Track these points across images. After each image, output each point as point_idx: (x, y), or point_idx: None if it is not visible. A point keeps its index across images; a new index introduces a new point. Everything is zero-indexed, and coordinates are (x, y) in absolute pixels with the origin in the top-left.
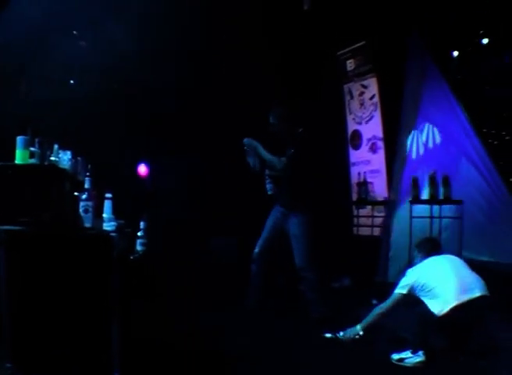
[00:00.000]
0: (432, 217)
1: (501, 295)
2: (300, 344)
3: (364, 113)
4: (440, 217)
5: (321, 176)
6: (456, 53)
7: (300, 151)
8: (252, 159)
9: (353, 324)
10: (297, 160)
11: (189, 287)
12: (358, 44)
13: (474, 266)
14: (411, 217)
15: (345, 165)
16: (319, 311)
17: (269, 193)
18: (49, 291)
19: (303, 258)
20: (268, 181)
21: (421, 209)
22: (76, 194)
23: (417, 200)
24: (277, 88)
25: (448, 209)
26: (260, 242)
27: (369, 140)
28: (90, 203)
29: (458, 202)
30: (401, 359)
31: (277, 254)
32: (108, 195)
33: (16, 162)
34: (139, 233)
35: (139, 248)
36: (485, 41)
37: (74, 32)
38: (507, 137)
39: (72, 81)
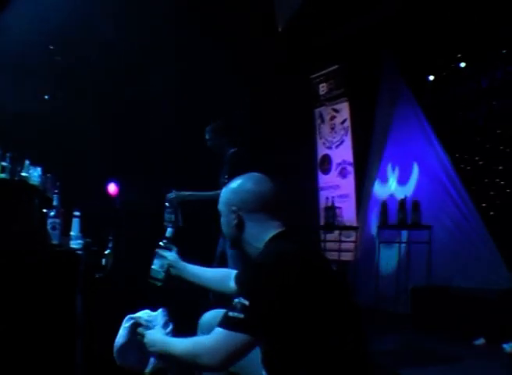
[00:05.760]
0: (400, 242)
1: (472, 320)
2: None
3: (334, 138)
4: (408, 242)
5: None
6: (431, 77)
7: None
8: (169, 215)
9: None
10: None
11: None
12: (331, 68)
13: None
14: (379, 242)
15: (314, 189)
16: None
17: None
18: (13, 306)
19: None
20: None
21: (389, 234)
22: (44, 210)
23: (385, 225)
24: (248, 109)
25: (417, 234)
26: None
27: (339, 164)
28: (57, 220)
29: (427, 227)
30: None
31: None
32: (76, 213)
33: None
34: (106, 252)
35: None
36: (463, 64)
37: (50, 47)
38: (480, 163)
39: (46, 96)
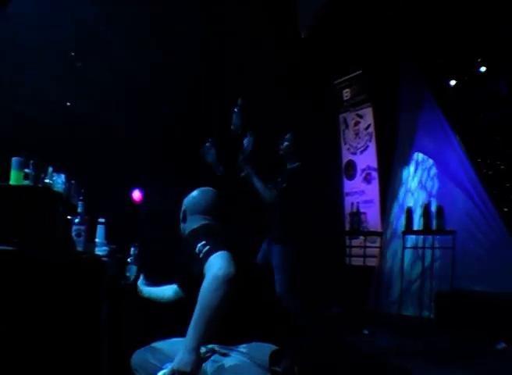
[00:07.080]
0: (424, 248)
1: (494, 325)
2: None
3: (358, 143)
4: (433, 248)
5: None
6: (453, 82)
7: (292, 187)
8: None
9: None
10: (288, 196)
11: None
12: (354, 74)
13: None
14: (404, 247)
15: (339, 195)
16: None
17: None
18: (38, 313)
19: (282, 290)
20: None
21: (414, 240)
22: (68, 217)
23: (410, 230)
24: (273, 115)
25: (441, 240)
26: None
27: (363, 170)
28: (82, 227)
29: (451, 233)
30: None
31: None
32: (101, 220)
33: (10, 183)
34: (129, 259)
35: (129, 273)
36: (483, 69)
37: (72, 53)
38: (502, 167)
39: (68, 103)
